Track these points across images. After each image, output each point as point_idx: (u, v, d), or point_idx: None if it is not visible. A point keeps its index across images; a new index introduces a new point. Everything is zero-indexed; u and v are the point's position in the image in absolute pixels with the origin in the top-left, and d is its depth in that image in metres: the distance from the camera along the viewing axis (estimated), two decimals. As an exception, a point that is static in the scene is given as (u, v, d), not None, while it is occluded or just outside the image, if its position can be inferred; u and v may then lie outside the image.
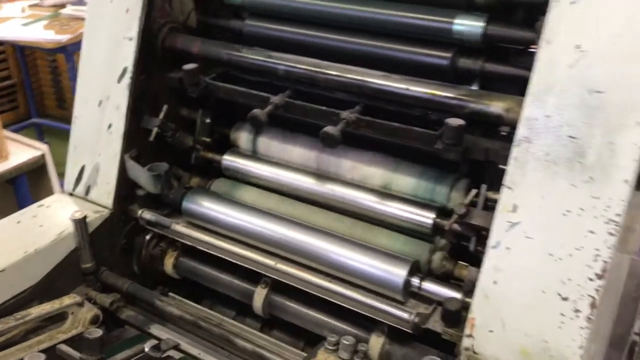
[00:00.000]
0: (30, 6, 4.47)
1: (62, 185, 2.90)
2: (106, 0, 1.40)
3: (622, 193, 0.94)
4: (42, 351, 1.18)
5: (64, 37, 3.84)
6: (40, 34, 3.90)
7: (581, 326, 0.97)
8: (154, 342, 1.29)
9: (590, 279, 0.96)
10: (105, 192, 1.43)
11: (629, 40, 0.92)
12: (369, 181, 1.33)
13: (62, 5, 4.41)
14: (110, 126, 1.42)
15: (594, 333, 1.04)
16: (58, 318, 1.30)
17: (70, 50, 3.97)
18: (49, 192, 2.53)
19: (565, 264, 0.97)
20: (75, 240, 1.36)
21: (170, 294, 1.46)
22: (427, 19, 1.19)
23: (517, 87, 1.10)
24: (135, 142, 1.42)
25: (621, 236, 1.10)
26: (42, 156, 2.46)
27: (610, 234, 0.94)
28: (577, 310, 0.97)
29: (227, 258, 1.33)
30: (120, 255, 1.47)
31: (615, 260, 1.11)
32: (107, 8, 1.40)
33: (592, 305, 0.96)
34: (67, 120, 5.56)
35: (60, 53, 4.08)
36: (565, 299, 0.97)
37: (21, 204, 2.44)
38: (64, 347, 1.17)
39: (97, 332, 1.14)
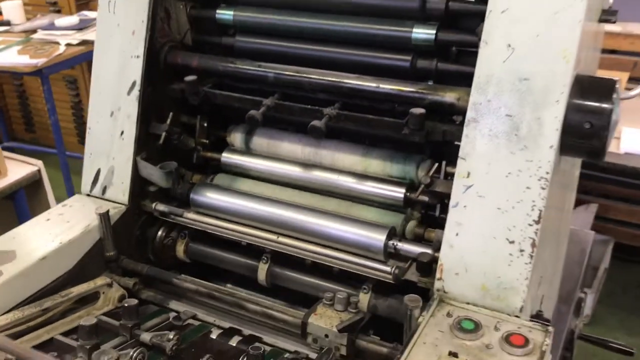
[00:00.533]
0: (1, 32, 4.60)
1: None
2: (114, 24, 1.63)
3: (549, 156, 1.21)
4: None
5: (39, 61, 4.00)
6: (16, 58, 4.05)
7: (525, 262, 1.23)
8: (174, 314, 1.51)
9: (530, 225, 1.22)
10: (120, 191, 1.65)
11: (545, 39, 1.20)
12: (349, 166, 1.58)
13: (33, 31, 4.56)
14: (122, 133, 1.64)
15: (537, 272, 1.32)
16: (90, 299, 1.51)
17: (46, 73, 4.13)
18: (45, 204, 2.70)
19: (510, 215, 1.24)
20: (100, 232, 1.57)
21: (183, 275, 1.68)
22: (391, 30, 1.46)
23: (465, 80, 1.37)
24: (145, 145, 1.65)
25: (558, 192, 1.38)
26: (38, 171, 2.63)
27: (543, 188, 1.22)
28: (521, 250, 1.23)
29: (234, 238, 1.56)
30: (135, 245, 1.68)
31: (553, 215, 1.39)
32: (115, 31, 1.62)
33: (533, 245, 1.23)
34: (37, 142, 5.66)
35: (36, 76, 4.22)
36: (512, 242, 1.24)
37: (21, 218, 2.61)
38: (104, 318, 1.39)
39: (134, 301, 1.36)
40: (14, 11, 4.82)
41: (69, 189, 4.53)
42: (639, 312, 4.03)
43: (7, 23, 4.77)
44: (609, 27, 4.21)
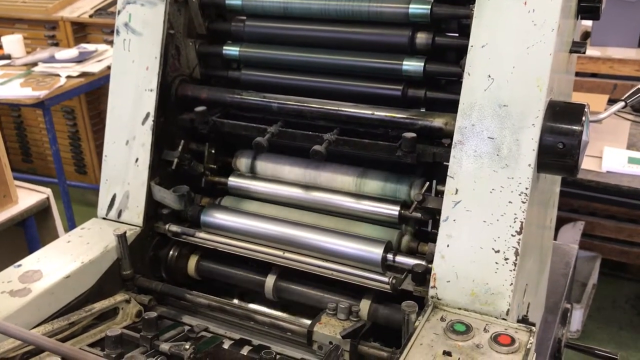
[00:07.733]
0: (2, 66, 4.75)
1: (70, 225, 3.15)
2: (129, 60, 1.77)
3: (528, 173, 1.35)
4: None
5: (41, 93, 4.14)
6: (19, 91, 4.19)
7: (510, 269, 1.36)
8: (188, 327, 1.63)
9: (513, 235, 1.36)
10: (135, 214, 1.77)
11: (521, 70, 1.35)
12: (346, 187, 1.72)
13: (34, 64, 4.71)
14: (137, 160, 1.77)
15: (522, 280, 1.45)
16: (109, 315, 1.62)
17: (47, 105, 4.27)
18: (54, 231, 2.81)
19: (495, 227, 1.37)
20: (117, 252, 1.69)
21: (194, 292, 1.80)
22: (384, 62, 1.61)
23: (451, 107, 1.51)
24: (158, 171, 1.78)
25: (538, 207, 1.52)
26: (47, 199, 2.75)
27: (523, 202, 1.35)
28: (506, 259, 1.37)
29: (243, 254, 1.68)
30: (149, 264, 1.80)
31: (535, 227, 1.53)
32: (130, 67, 1.76)
33: (516, 254, 1.36)
34: (34, 172, 5.78)
35: (38, 108, 4.35)
36: (497, 251, 1.37)
37: (31, 245, 2.70)
38: (126, 330, 1.50)
39: (153, 314, 1.47)
40: (14, 45, 4.98)
41: (69, 216, 4.64)
42: (629, 327, 4.15)
43: (8, 57, 4.92)
44: (590, 51, 4.44)
